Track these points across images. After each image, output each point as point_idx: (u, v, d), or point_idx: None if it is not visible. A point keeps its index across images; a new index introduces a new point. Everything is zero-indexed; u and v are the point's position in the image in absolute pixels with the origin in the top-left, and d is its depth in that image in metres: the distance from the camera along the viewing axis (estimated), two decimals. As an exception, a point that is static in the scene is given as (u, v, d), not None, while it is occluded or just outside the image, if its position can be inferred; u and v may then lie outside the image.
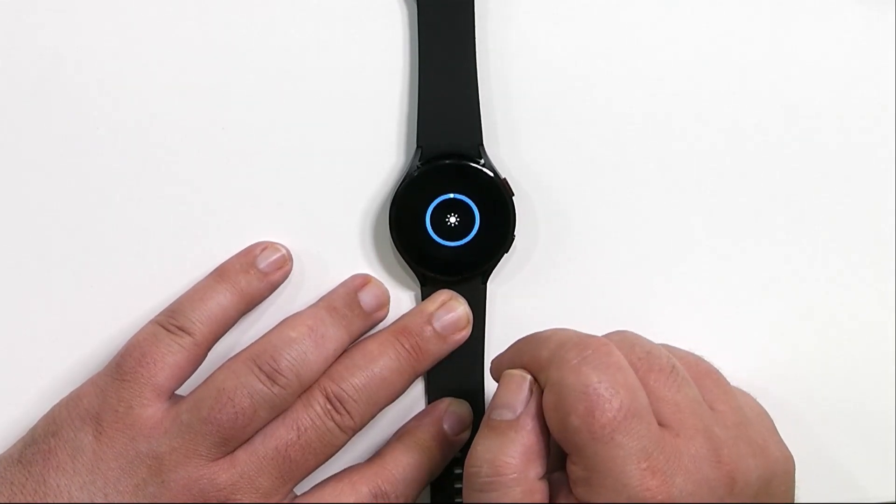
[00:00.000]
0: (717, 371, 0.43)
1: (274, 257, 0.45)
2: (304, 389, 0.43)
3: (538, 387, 0.39)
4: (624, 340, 0.40)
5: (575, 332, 0.39)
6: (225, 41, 0.45)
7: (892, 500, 0.48)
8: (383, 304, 0.46)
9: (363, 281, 0.46)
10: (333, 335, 0.44)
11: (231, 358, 0.44)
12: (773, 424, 0.42)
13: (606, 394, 0.37)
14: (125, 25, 0.45)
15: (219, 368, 0.43)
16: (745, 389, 0.47)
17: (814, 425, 0.48)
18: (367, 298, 0.45)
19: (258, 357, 0.43)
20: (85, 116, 0.45)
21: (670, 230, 0.47)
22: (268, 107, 0.46)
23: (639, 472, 0.36)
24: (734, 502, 0.37)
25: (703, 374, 0.42)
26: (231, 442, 0.42)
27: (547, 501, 0.38)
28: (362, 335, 0.46)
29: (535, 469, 0.38)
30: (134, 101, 0.45)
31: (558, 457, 0.39)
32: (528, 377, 0.40)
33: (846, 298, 0.48)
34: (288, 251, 0.46)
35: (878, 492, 0.48)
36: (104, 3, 0.45)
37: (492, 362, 0.43)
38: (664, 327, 0.47)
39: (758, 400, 0.46)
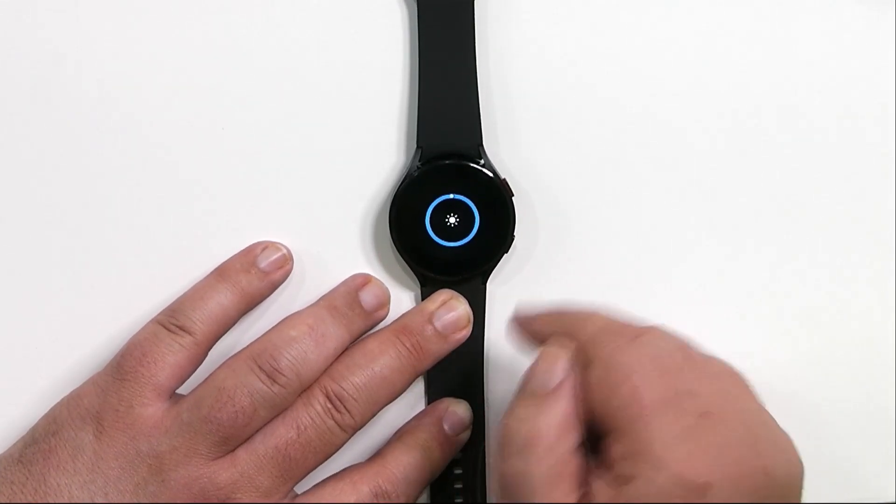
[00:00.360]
0: (748, 382, 0.42)
1: (274, 256, 0.45)
2: (305, 388, 0.43)
3: (576, 363, 0.39)
4: (662, 329, 0.41)
5: (618, 314, 0.40)
6: (225, 41, 0.45)
7: (892, 500, 0.48)
8: (384, 303, 0.46)
9: (364, 280, 0.46)
10: (334, 334, 0.44)
11: (231, 357, 0.44)
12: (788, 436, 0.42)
13: (654, 375, 0.37)
14: (125, 25, 0.45)
15: (219, 367, 0.43)
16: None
17: (814, 425, 0.48)
18: (367, 297, 0.45)
19: (258, 356, 0.43)
20: (85, 116, 0.45)
21: (670, 230, 0.47)
22: (268, 107, 0.46)
23: (683, 453, 0.36)
24: (766, 494, 0.37)
25: (733, 375, 0.41)
26: (231, 441, 0.42)
27: (577, 473, 0.38)
28: (363, 334, 0.46)
29: (570, 440, 0.38)
30: (133, 102, 0.45)
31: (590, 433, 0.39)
32: (567, 353, 0.40)
33: (846, 298, 0.48)
34: (288, 250, 0.46)
35: (878, 492, 0.48)
36: (104, 2, 0.45)
37: (519, 317, 0.43)
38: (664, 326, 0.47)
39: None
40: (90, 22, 0.45)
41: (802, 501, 0.47)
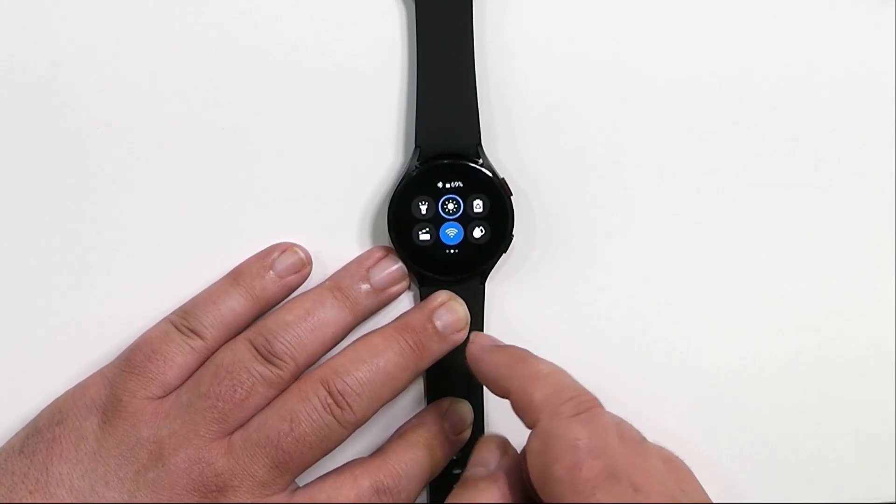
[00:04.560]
0: (687, 467, 0.43)
1: (291, 260, 0.45)
2: (302, 371, 0.43)
3: (513, 450, 0.41)
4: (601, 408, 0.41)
5: (570, 378, 0.40)
6: (224, 41, 0.46)
7: (892, 500, 0.48)
8: (396, 280, 0.46)
9: (378, 257, 0.46)
10: (332, 319, 0.44)
11: (231, 340, 0.44)
12: None
13: (594, 451, 0.37)
14: (125, 26, 0.46)
15: (218, 350, 0.44)
16: (744, 389, 0.47)
17: (814, 425, 0.48)
18: (378, 275, 0.45)
19: (255, 339, 0.43)
20: (87, 116, 0.46)
21: (669, 230, 0.47)
22: (266, 106, 0.46)
23: None
24: None
25: (669, 459, 0.43)
26: (229, 419, 0.42)
27: None
28: (372, 314, 0.46)
29: None
30: (132, 102, 0.46)
31: None
32: (505, 441, 0.41)
33: (846, 298, 0.48)
34: (307, 254, 0.46)
35: (878, 492, 0.48)
36: (104, 3, 0.45)
37: (474, 349, 0.43)
38: (663, 327, 0.47)
39: (757, 398, 0.47)
40: (90, 22, 0.45)
41: (803, 501, 0.47)
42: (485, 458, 0.42)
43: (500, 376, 0.41)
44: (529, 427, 0.39)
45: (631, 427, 0.42)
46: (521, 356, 0.42)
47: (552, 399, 0.39)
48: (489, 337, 0.44)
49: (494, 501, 0.39)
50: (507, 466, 0.41)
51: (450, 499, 0.40)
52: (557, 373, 0.40)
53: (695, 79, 0.47)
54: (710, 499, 0.41)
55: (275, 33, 0.46)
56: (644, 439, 0.41)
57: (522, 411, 0.40)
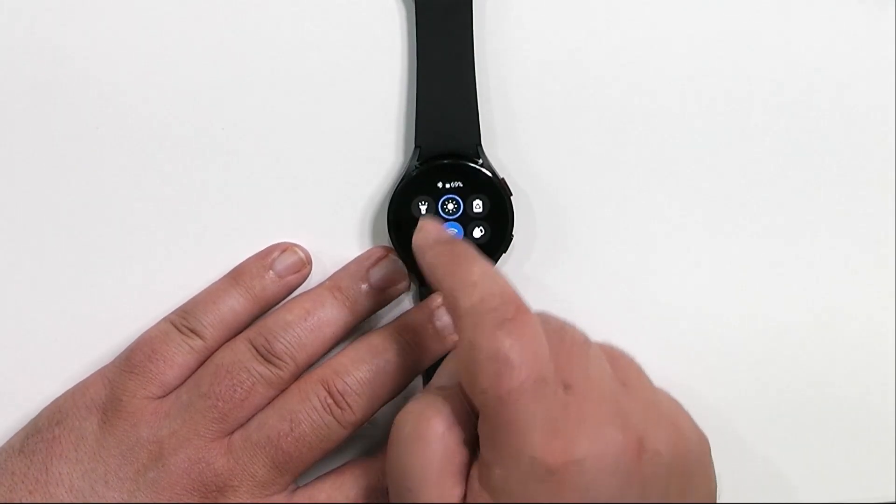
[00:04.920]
0: (637, 364, 0.42)
1: (291, 260, 0.45)
2: (302, 370, 0.44)
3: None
4: (541, 314, 0.40)
5: (500, 284, 0.38)
6: (223, 42, 0.46)
7: (892, 500, 0.48)
8: (395, 280, 0.46)
9: (378, 256, 0.46)
10: (332, 318, 0.44)
11: (231, 340, 0.44)
12: (689, 415, 0.41)
13: (516, 361, 0.36)
14: (125, 26, 0.46)
15: (218, 350, 0.44)
16: (744, 390, 0.47)
17: (814, 425, 0.48)
18: (377, 276, 0.45)
19: (254, 339, 0.43)
20: (86, 115, 0.46)
21: (669, 229, 0.47)
22: (266, 107, 0.46)
23: (541, 435, 0.36)
24: (643, 469, 0.37)
25: (617, 358, 0.41)
26: (229, 418, 0.42)
27: (464, 467, 0.38)
28: (372, 313, 0.46)
29: (460, 433, 0.38)
30: (132, 102, 0.46)
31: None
32: None
33: (846, 298, 0.48)
34: (307, 254, 0.46)
35: (878, 492, 0.48)
36: (105, 3, 0.45)
37: (419, 238, 0.41)
38: (662, 326, 0.47)
39: (757, 399, 0.47)
40: (91, 22, 0.45)
41: (803, 501, 0.47)
42: (446, 372, 0.41)
43: (435, 276, 0.40)
44: (458, 334, 0.38)
45: (574, 329, 0.40)
46: (457, 256, 0.40)
47: (477, 308, 0.37)
48: (436, 226, 0.42)
49: (444, 416, 0.38)
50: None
51: (406, 405, 0.39)
52: (487, 278, 0.39)
53: (695, 78, 0.47)
54: (655, 392, 0.40)
55: (275, 33, 0.46)
56: (587, 340, 0.40)
57: (452, 318, 0.39)
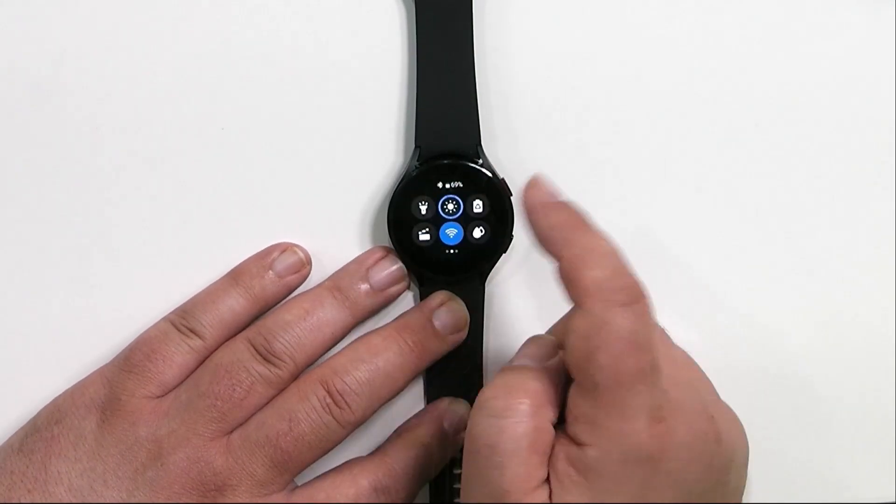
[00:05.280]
0: (700, 368, 0.43)
1: (291, 260, 0.46)
2: (301, 370, 0.44)
3: (561, 349, 0.39)
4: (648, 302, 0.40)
5: (626, 264, 0.38)
6: (224, 42, 0.46)
7: (892, 500, 0.48)
8: (396, 280, 0.46)
9: (377, 257, 0.46)
10: (331, 318, 0.44)
11: (230, 339, 0.44)
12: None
13: (642, 344, 0.36)
14: (125, 26, 0.46)
15: (217, 350, 0.44)
16: (744, 389, 0.47)
17: (814, 425, 0.48)
18: (377, 276, 0.45)
19: (254, 338, 0.43)
20: (85, 115, 0.46)
21: (669, 230, 0.47)
22: (266, 107, 0.46)
23: (647, 421, 0.36)
24: (719, 461, 0.38)
25: (690, 365, 0.43)
26: (228, 418, 0.42)
27: (549, 448, 0.38)
28: (372, 314, 0.46)
29: (548, 413, 0.38)
30: (132, 102, 0.46)
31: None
32: (554, 342, 0.40)
33: (846, 298, 0.48)
34: (306, 254, 0.46)
35: (878, 492, 0.48)
36: (104, 3, 0.45)
37: (532, 197, 0.39)
38: (662, 326, 0.47)
39: (757, 399, 0.47)
40: (91, 22, 0.46)
41: (804, 501, 0.47)
42: (533, 353, 0.40)
43: (553, 238, 0.39)
44: (574, 302, 0.37)
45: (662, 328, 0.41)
46: (579, 222, 0.39)
47: (607, 283, 0.37)
48: (547, 185, 0.40)
49: (533, 395, 0.38)
50: (554, 366, 0.39)
51: (495, 378, 0.39)
52: (615, 254, 0.38)
53: (695, 79, 0.47)
54: (711, 383, 0.41)
55: (275, 33, 0.46)
56: (664, 330, 0.41)
57: (571, 285, 0.37)
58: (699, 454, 0.37)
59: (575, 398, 0.37)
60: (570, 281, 0.38)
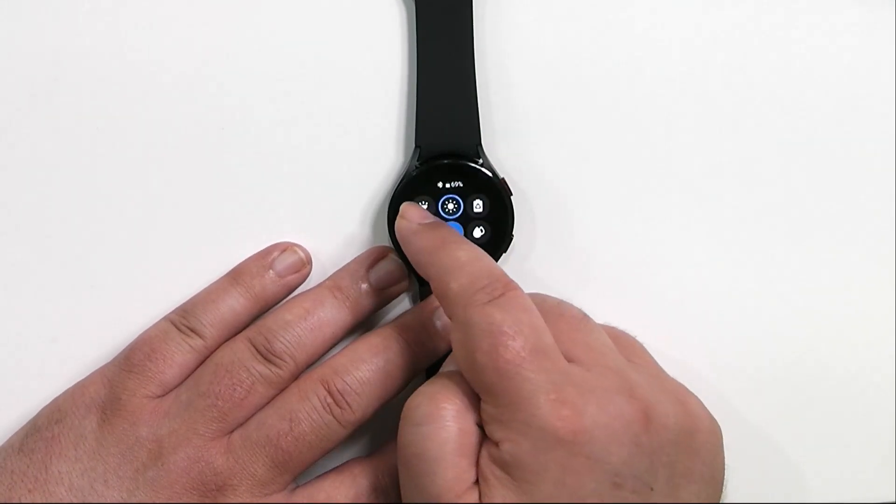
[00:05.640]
0: (640, 343, 0.43)
1: (291, 260, 0.46)
2: (302, 370, 0.44)
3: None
4: (536, 294, 0.41)
5: (487, 264, 0.39)
6: (224, 42, 0.46)
7: (892, 500, 0.48)
8: (395, 280, 0.46)
9: (377, 256, 0.46)
10: (332, 318, 0.44)
11: (230, 339, 0.44)
12: (698, 398, 0.41)
13: (510, 331, 0.37)
14: (126, 26, 0.46)
15: (218, 349, 0.44)
16: (743, 389, 0.47)
17: (814, 425, 0.48)
18: (377, 275, 0.45)
19: (254, 338, 0.43)
20: (85, 115, 0.46)
21: (669, 230, 0.47)
22: (266, 107, 0.46)
23: (548, 403, 0.36)
24: (650, 440, 0.37)
25: (619, 336, 0.42)
26: (229, 417, 0.42)
27: (477, 448, 0.38)
28: (372, 314, 0.46)
29: (471, 414, 0.38)
30: (131, 102, 0.46)
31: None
32: None
33: (846, 298, 0.48)
34: (307, 254, 0.46)
35: (878, 492, 0.48)
36: (105, 3, 0.45)
37: (401, 226, 0.43)
38: (663, 327, 0.47)
39: (757, 398, 0.47)
40: (91, 22, 0.46)
41: (804, 501, 0.47)
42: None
43: (422, 262, 0.41)
44: (450, 319, 0.39)
45: (572, 306, 0.41)
46: (442, 240, 0.41)
47: (467, 288, 0.38)
48: (419, 211, 0.44)
49: (455, 399, 0.38)
50: None
51: (419, 388, 0.40)
52: (474, 260, 0.40)
53: (695, 79, 0.47)
54: (660, 370, 0.41)
55: (275, 33, 0.46)
56: (586, 316, 0.40)
57: (441, 302, 0.39)
58: (619, 434, 0.36)
59: (483, 406, 0.38)
60: (440, 299, 0.40)
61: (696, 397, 0.40)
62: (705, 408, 0.40)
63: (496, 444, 0.37)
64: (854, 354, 0.48)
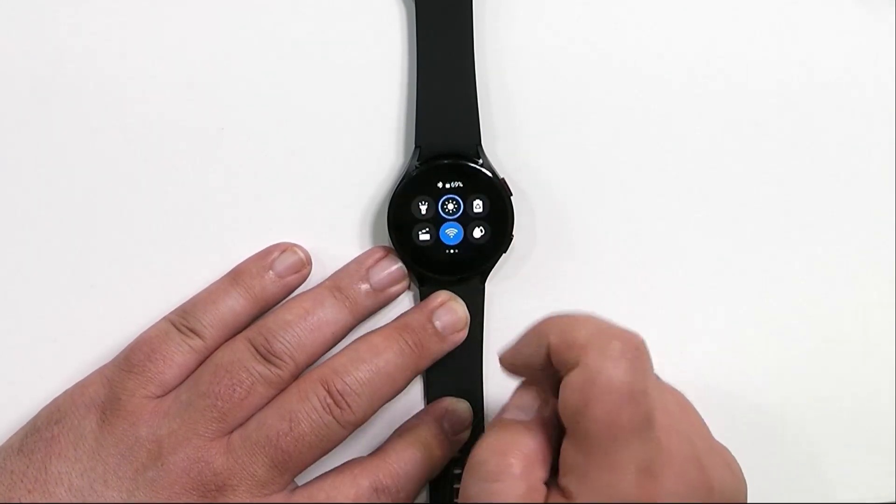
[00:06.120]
0: (687, 399, 0.42)
1: (291, 260, 0.45)
2: (302, 370, 0.44)
3: (554, 401, 0.39)
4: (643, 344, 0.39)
5: (607, 321, 0.38)
6: (223, 42, 0.46)
7: (892, 500, 0.48)
8: (396, 280, 0.46)
9: (377, 257, 0.46)
10: (332, 318, 0.44)
11: (230, 339, 0.44)
12: (733, 455, 0.41)
13: (637, 397, 0.36)
14: (126, 25, 0.46)
15: (217, 349, 0.44)
16: (743, 389, 0.47)
17: (814, 425, 0.48)
18: (377, 276, 0.45)
19: (254, 338, 0.43)
20: (88, 117, 0.46)
21: (669, 230, 0.47)
22: (266, 106, 0.46)
23: (637, 474, 0.36)
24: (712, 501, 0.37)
25: (674, 393, 0.42)
26: (228, 418, 0.42)
27: None
28: (372, 314, 0.46)
29: (540, 471, 0.38)
30: (131, 102, 0.46)
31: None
32: (547, 391, 0.39)
33: (846, 298, 0.48)
34: (306, 254, 0.46)
35: (878, 492, 0.48)
36: (105, 2, 0.45)
37: (505, 353, 0.41)
38: (663, 327, 0.47)
39: (757, 399, 0.47)
40: (91, 22, 0.46)
41: (803, 501, 0.47)
42: (525, 404, 0.40)
43: (537, 344, 0.39)
44: (569, 369, 0.37)
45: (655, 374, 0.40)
46: (550, 318, 0.39)
47: (599, 336, 0.37)
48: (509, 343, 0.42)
49: (524, 454, 0.38)
50: (546, 417, 0.39)
51: (487, 435, 0.39)
52: (594, 317, 0.39)
53: (695, 79, 0.47)
54: (709, 431, 0.41)
55: (275, 33, 0.46)
56: (658, 376, 0.40)
57: (565, 353, 0.37)
58: None
59: (567, 449, 0.37)
60: (563, 351, 0.38)
61: (733, 457, 0.40)
62: (740, 467, 0.40)
63: (568, 497, 0.36)
64: (854, 354, 0.48)
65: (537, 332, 0.39)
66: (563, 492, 0.37)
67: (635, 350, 0.37)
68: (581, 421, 0.36)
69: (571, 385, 0.37)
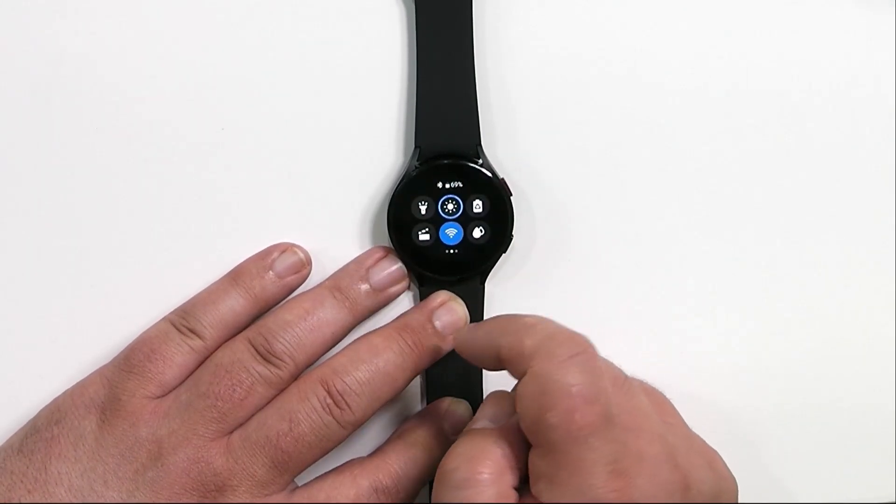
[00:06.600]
0: (669, 400, 0.43)
1: (291, 261, 0.45)
2: (302, 370, 0.44)
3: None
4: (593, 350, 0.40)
5: (559, 325, 0.39)
6: (223, 42, 0.46)
7: (892, 500, 0.48)
8: (396, 280, 0.46)
9: (377, 257, 0.46)
10: (332, 318, 0.44)
11: (230, 339, 0.44)
12: (719, 455, 0.42)
13: (590, 397, 0.37)
14: (127, 26, 0.46)
15: (217, 349, 0.44)
16: (743, 390, 0.47)
17: (814, 425, 0.48)
18: (377, 276, 0.45)
19: (254, 339, 0.43)
20: (89, 117, 0.46)
21: (669, 230, 0.47)
22: (266, 107, 0.46)
23: (605, 475, 0.36)
24: (691, 499, 0.37)
25: (651, 393, 0.42)
26: (228, 418, 0.42)
27: None
28: (372, 314, 0.46)
29: (510, 478, 0.38)
30: (131, 102, 0.46)
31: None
32: (514, 397, 0.40)
33: (846, 298, 0.48)
34: (306, 255, 0.46)
35: (878, 492, 0.48)
36: (105, 2, 0.45)
37: (459, 336, 0.42)
38: (662, 327, 0.47)
39: (757, 399, 0.47)
40: (91, 22, 0.46)
41: (803, 501, 0.47)
42: (494, 413, 0.41)
43: (487, 345, 0.40)
44: (520, 376, 0.38)
45: (613, 365, 0.41)
46: (503, 319, 0.41)
47: (546, 343, 0.38)
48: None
49: (494, 462, 0.38)
50: (515, 424, 0.39)
51: (456, 445, 0.39)
52: (545, 321, 0.39)
53: (694, 79, 0.47)
54: (690, 430, 0.41)
55: (275, 33, 0.46)
56: (627, 377, 0.40)
57: (514, 361, 0.38)
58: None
59: (533, 458, 0.38)
60: (512, 359, 0.38)
61: (718, 456, 0.41)
62: (726, 466, 0.41)
63: (538, 500, 0.37)
64: (854, 354, 0.48)
65: (488, 335, 0.40)
66: (535, 499, 0.37)
67: (583, 352, 0.38)
68: (540, 429, 0.37)
69: (525, 395, 0.38)
